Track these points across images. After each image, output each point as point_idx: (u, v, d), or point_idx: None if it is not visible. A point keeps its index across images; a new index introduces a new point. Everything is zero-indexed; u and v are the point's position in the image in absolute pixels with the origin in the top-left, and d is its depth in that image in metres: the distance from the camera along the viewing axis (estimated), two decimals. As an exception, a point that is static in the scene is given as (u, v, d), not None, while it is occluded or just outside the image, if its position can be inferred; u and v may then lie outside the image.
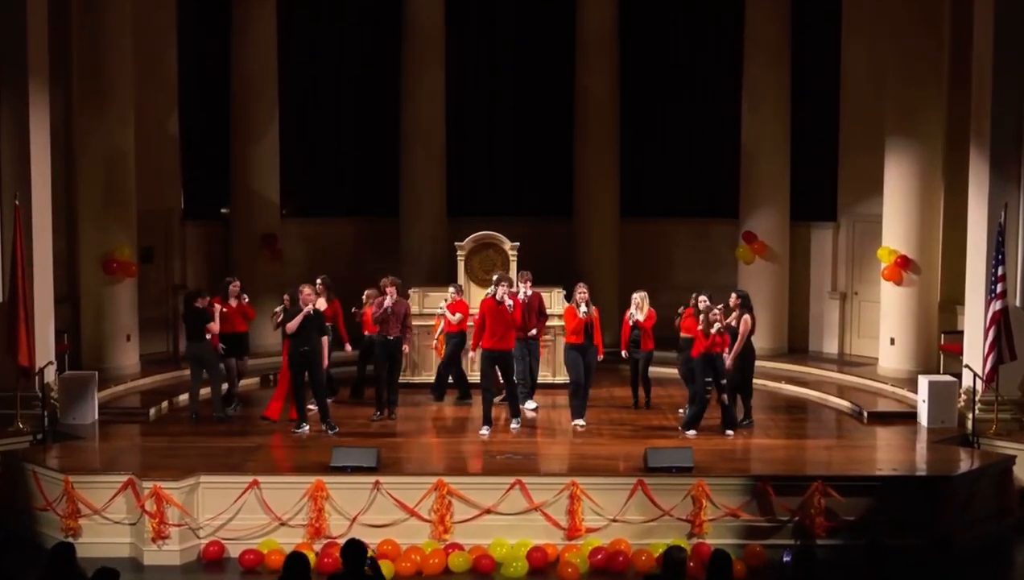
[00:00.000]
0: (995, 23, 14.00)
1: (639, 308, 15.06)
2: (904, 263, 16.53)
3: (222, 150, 19.08)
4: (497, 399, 14.65)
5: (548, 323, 15.63)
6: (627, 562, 11.40)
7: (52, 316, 14.64)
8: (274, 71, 18.99)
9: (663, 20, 20.21)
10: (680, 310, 15.05)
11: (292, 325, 13.80)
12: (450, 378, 15.80)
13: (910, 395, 15.30)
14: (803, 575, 8.34)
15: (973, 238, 14.42)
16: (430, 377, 16.20)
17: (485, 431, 13.95)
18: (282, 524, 11.72)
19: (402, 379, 15.50)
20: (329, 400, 14.49)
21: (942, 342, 16.49)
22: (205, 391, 14.97)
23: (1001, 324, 13.60)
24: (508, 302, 14.01)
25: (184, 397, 15.32)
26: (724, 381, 13.83)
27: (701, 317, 13.91)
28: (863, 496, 11.86)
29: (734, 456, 13.17)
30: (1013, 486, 12.83)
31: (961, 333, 15.07)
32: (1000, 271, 13.62)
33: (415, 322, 15.71)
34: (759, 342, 15.46)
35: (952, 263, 16.25)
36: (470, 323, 15.21)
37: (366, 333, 15.57)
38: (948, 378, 14.79)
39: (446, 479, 11.82)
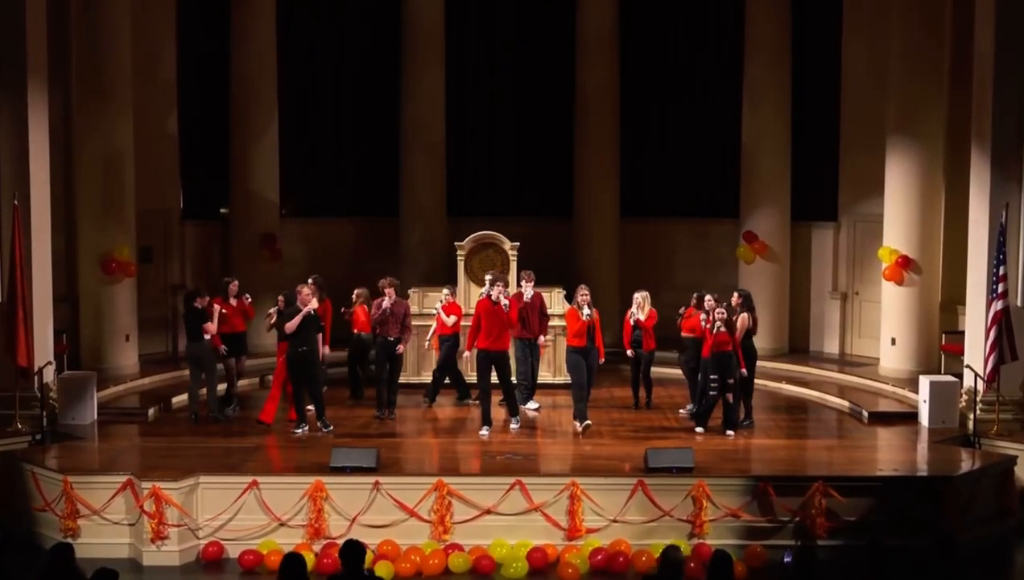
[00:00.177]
0: (996, 22, 13.99)
1: (640, 308, 15.04)
2: (905, 263, 16.50)
3: (221, 150, 19.06)
4: (497, 400, 14.62)
5: (549, 323, 15.58)
6: (627, 563, 11.37)
7: (51, 316, 14.62)
8: (273, 70, 18.97)
9: (663, 20, 20.20)
10: (681, 310, 15.04)
11: (291, 325, 13.78)
12: (446, 380, 15.78)
13: (911, 395, 15.28)
14: (804, 576, 8.31)
15: (974, 238, 14.40)
16: (430, 377, 16.18)
17: (485, 431, 13.93)
18: (281, 525, 11.70)
19: (403, 379, 15.48)
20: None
21: (943, 342, 16.46)
22: (204, 392, 14.94)
23: (1002, 324, 13.58)
24: (504, 302, 13.99)
25: (183, 397, 15.29)
26: (731, 380, 13.80)
27: (705, 315, 13.92)
28: (864, 496, 11.84)
29: (735, 456, 13.14)
30: (1014, 486, 12.82)
31: (962, 333, 15.05)
32: (1001, 271, 13.60)
33: (415, 322, 15.68)
34: (760, 342, 15.44)
35: (953, 263, 16.22)
36: (464, 323, 15.21)
37: (356, 331, 15.62)
38: (949, 378, 14.77)
39: (446, 479, 11.79)
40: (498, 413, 14.49)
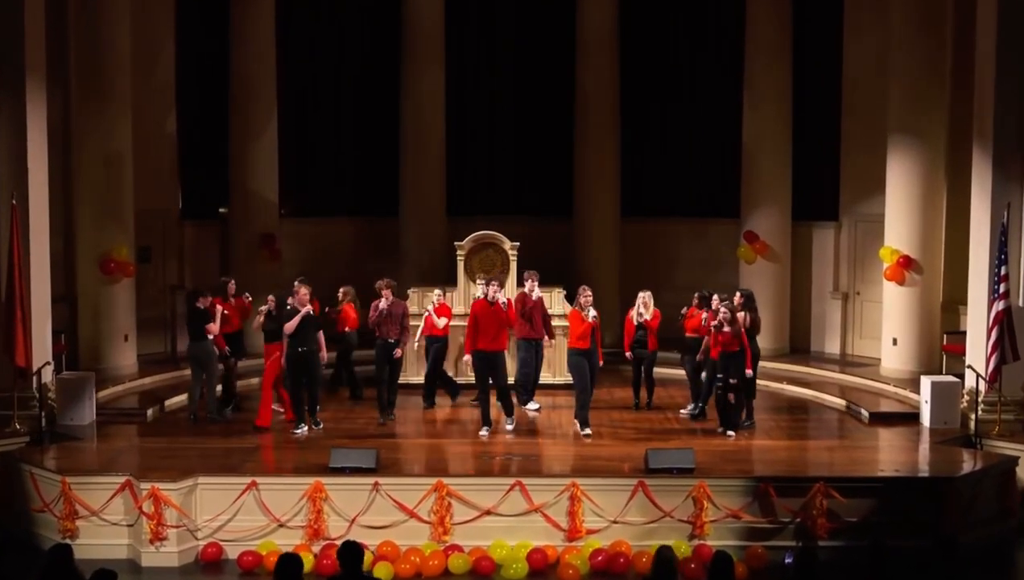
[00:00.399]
0: (998, 22, 13.97)
1: (646, 307, 15.01)
2: (906, 263, 16.47)
3: (220, 149, 19.02)
4: (493, 400, 14.58)
5: (552, 324, 15.52)
6: (628, 564, 11.33)
7: (49, 316, 14.58)
8: (273, 70, 18.93)
9: (663, 20, 20.20)
10: (683, 311, 15.01)
11: (291, 325, 13.75)
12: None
13: (912, 396, 15.25)
14: (805, 577, 8.28)
15: (976, 238, 14.37)
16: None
17: (484, 432, 13.90)
18: (281, 525, 11.67)
19: (402, 380, 15.45)
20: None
21: (944, 342, 16.42)
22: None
23: (1004, 324, 13.55)
24: (502, 301, 13.95)
25: (178, 398, 15.24)
26: (734, 380, 13.75)
27: (706, 314, 13.91)
28: (865, 497, 11.80)
29: (736, 457, 13.10)
30: (1016, 487, 12.78)
31: (964, 333, 15.02)
32: (1003, 271, 13.57)
33: (414, 322, 15.63)
34: (761, 343, 15.38)
35: (955, 263, 16.19)
36: (454, 324, 15.23)
37: (347, 329, 15.66)
38: (951, 379, 14.74)
39: (446, 480, 11.76)
40: (497, 414, 14.42)
